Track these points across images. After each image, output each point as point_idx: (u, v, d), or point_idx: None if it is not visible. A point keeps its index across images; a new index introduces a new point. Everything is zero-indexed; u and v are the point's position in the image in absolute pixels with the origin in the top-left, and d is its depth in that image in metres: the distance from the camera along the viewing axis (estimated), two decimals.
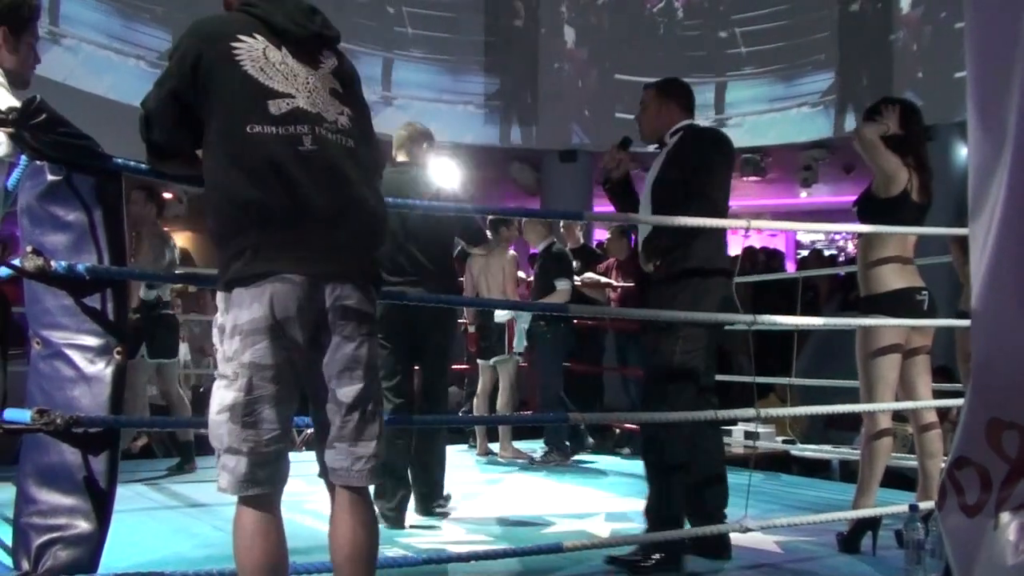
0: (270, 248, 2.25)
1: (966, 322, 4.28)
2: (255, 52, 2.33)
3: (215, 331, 2.36)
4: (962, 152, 9.73)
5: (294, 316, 2.27)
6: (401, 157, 4.81)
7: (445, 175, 5.60)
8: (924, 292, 4.09)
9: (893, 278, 4.05)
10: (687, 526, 3.78)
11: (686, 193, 3.81)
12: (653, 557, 3.66)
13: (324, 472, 2.42)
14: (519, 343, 6.83)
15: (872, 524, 4.00)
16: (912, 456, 4.96)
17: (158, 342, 5.89)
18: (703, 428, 3.86)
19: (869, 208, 4.13)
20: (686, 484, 3.78)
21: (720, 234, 3.97)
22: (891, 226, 4.00)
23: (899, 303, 4.02)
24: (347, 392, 2.36)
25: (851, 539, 4.03)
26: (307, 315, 2.29)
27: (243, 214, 2.27)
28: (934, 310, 4.11)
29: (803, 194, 13.74)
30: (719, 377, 6.53)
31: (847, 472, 6.52)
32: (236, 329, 2.27)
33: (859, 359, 4.10)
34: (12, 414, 2.48)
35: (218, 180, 2.32)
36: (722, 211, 3.91)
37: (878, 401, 4.01)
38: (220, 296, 2.34)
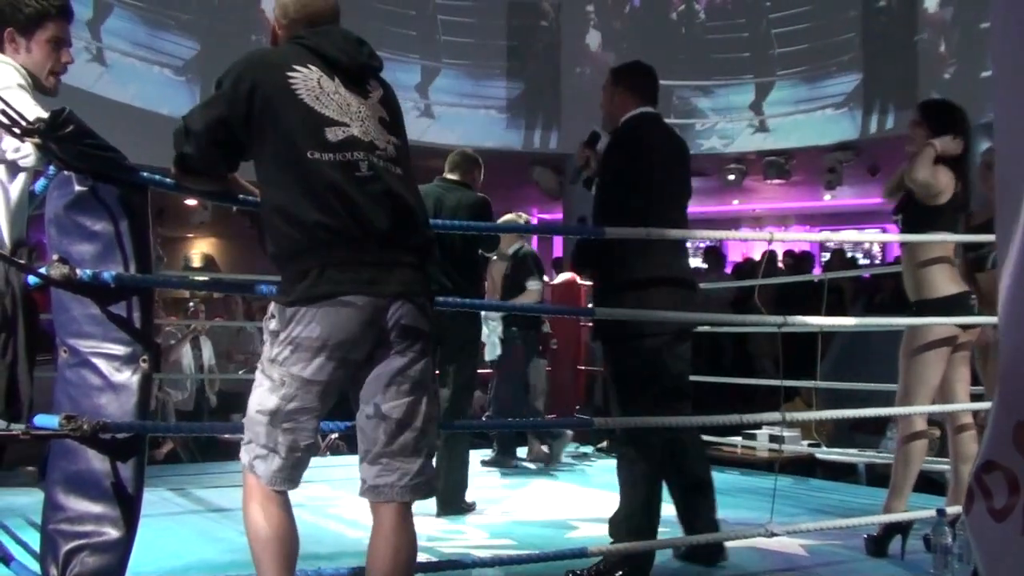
0: (334, 269, 2.32)
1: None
2: (310, 82, 2.40)
3: (266, 332, 2.42)
4: None
5: (354, 339, 2.33)
6: (453, 176, 5.06)
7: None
8: (974, 296, 4.07)
9: (946, 283, 4.01)
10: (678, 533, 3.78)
11: (601, 200, 3.68)
12: (617, 573, 3.54)
13: (365, 488, 2.44)
14: (491, 352, 6.85)
15: (902, 528, 3.96)
16: (941, 459, 4.92)
17: None
18: (681, 438, 3.75)
19: (914, 214, 4.07)
20: (661, 495, 3.67)
21: (668, 243, 3.68)
22: (936, 233, 3.98)
23: (954, 309, 3.98)
24: (392, 407, 2.39)
25: (880, 542, 4.00)
26: (368, 336, 2.35)
27: (307, 236, 2.33)
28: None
29: (827, 196, 13.68)
30: (743, 381, 6.59)
31: (873, 476, 6.47)
32: (290, 339, 2.33)
33: (903, 359, 4.04)
34: (41, 420, 2.51)
35: (280, 203, 2.38)
36: (653, 215, 3.56)
37: (916, 403, 3.96)
38: (275, 305, 2.41)
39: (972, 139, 4.14)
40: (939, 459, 5.04)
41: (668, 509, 3.78)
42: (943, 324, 3.95)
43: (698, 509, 3.82)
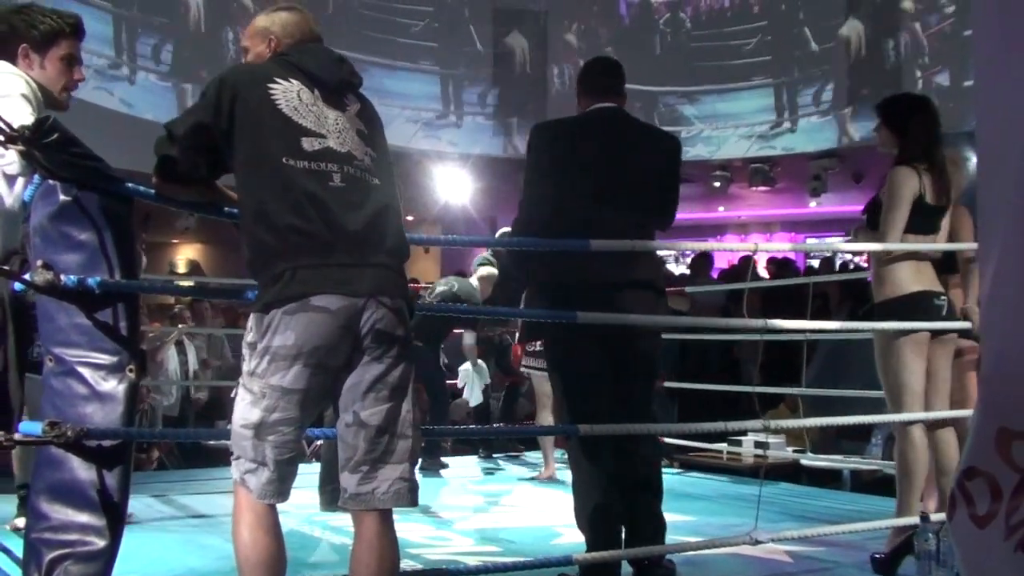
0: (307, 271, 2.34)
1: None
2: (290, 94, 2.47)
3: (244, 346, 2.43)
4: (971, 162, 9.70)
5: (329, 344, 2.34)
6: None
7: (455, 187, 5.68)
8: (943, 297, 3.95)
9: (908, 282, 3.90)
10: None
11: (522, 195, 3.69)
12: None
13: (346, 498, 2.44)
14: (475, 397, 6.85)
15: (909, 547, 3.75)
16: None
17: None
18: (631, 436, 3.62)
19: (878, 215, 3.97)
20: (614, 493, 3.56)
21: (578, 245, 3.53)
22: (907, 234, 3.87)
23: (915, 308, 3.88)
24: (371, 414, 2.40)
25: (888, 562, 3.84)
26: (344, 342, 2.36)
27: (280, 239, 2.36)
28: (954, 316, 3.99)
29: (812, 203, 13.74)
30: (726, 388, 6.59)
31: (858, 483, 6.50)
32: (267, 350, 2.34)
33: (879, 369, 3.95)
34: (25, 427, 2.50)
35: (255, 209, 2.42)
36: (550, 201, 3.57)
37: (903, 409, 3.86)
38: (253, 316, 2.42)
39: (939, 131, 4.04)
40: None
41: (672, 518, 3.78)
42: (920, 329, 3.84)
43: (639, 508, 3.63)
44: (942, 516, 3.61)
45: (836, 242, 12.87)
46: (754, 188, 13.01)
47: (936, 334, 3.94)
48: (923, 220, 3.92)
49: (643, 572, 3.61)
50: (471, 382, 7.27)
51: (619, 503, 3.55)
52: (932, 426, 3.97)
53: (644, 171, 3.64)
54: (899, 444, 3.90)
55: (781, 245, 11.55)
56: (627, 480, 3.59)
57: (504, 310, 5.75)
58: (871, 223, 4.04)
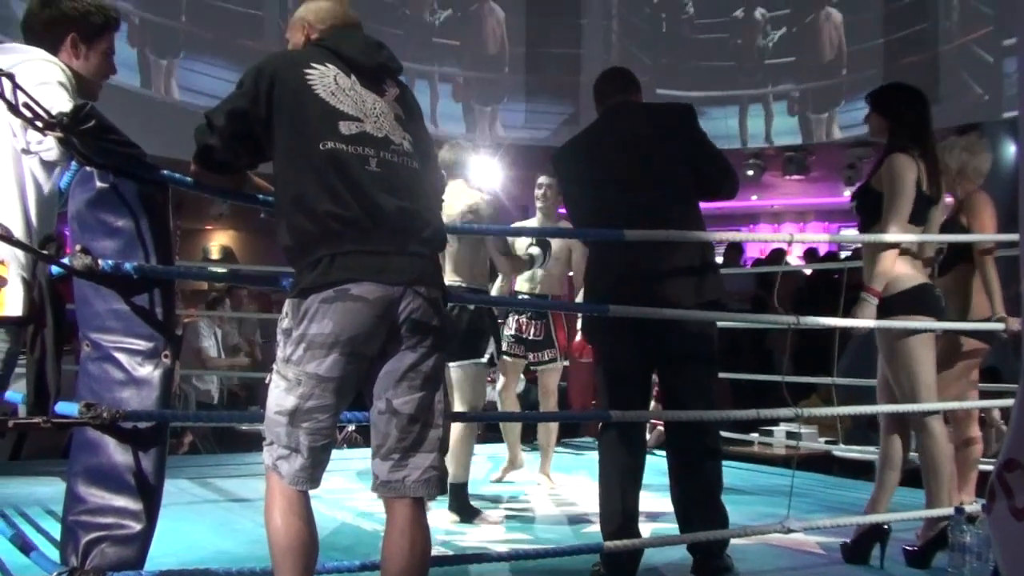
0: (344, 257, 2.35)
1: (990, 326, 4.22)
2: (327, 78, 2.47)
3: (279, 332, 2.44)
4: (1010, 150, 9.56)
5: (366, 333, 2.35)
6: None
7: (486, 175, 5.60)
8: (938, 289, 3.92)
9: (909, 276, 3.82)
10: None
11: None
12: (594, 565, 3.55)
13: (377, 484, 2.46)
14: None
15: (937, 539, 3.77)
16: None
17: None
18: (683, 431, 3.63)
19: (868, 202, 3.90)
20: (632, 486, 3.59)
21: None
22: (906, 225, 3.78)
23: (921, 302, 3.81)
24: (404, 402, 2.41)
25: (924, 552, 3.82)
26: (379, 330, 2.37)
27: (318, 226, 2.37)
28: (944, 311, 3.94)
29: (847, 192, 13.60)
30: (757, 377, 6.55)
31: None
32: (304, 338, 2.35)
33: (890, 366, 3.87)
34: (61, 407, 2.53)
35: (293, 194, 2.42)
36: (587, 209, 3.77)
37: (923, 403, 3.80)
38: (289, 302, 2.43)
39: (931, 120, 3.94)
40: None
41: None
42: (928, 330, 3.80)
43: (693, 499, 3.59)
44: (976, 507, 3.58)
45: (871, 235, 12.74)
46: (788, 176, 12.90)
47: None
48: (919, 210, 3.84)
49: (700, 565, 3.57)
50: None
51: (635, 497, 3.56)
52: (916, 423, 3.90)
53: (665, 148, 3.62)
54: (921, 439, 3.85)
55: (817, 236, 11.44)
56: (684, 471, 3.59)
57: (538, 302, 5.62)
58: (863, 211, 3.95)
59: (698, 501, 3.56)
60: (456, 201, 4.53)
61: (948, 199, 4.39)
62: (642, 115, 3.78)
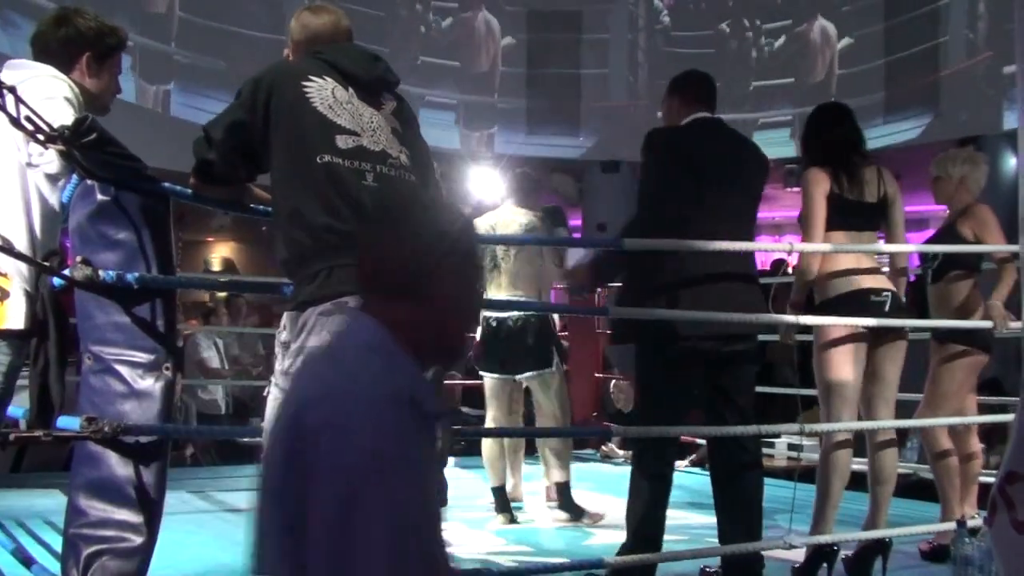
0: (343, 270, 2.33)
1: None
2: (324, 91, 2.47)
3: (277, 345, 2.45)
4: (1011, 162, 9.55)
5: None
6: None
7: (487, 185, 5.66)
8: (885, 293, 3.87)
9: (839, 283, 3.86)
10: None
11: (638, 204, 3.73)
12: None
13: None
14: None
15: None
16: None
17: None
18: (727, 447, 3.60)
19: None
20: (662, 503, 3.54)
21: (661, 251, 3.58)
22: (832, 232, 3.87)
23: (845, 310, 3.81)
24: None
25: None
26: None
27: (315, 239, 2.37)
28: (901, 311, 3.91)
29: None
30: (763, 389, 6.53)
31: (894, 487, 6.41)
32: (302, 351, 2.34)
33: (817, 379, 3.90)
34: (62, 421, 2.53)
35: (290, 207, 2.43)
36: (669, 219, 3.56)
37: (835, 414, 3.84)
38: (287, 315, 2.43)
39: (824, 124, 4.08)
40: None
41: (694, 518, 3.77)
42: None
43: (732, 520, 3.58)
44: (979, 521, 3.58)
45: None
46: (788, 189, 12.92)
47: (879, 334, 3.87)
48: (848, 218, 3.90)
49: None
50: None
51: (664, 511, 3.52)
52: (876, 440, 3.96)
53: (749, 184, 3.76)
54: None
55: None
56: (727, 488, 3.57)
57: (580, 308, 5.92)
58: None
59: (742, 517, 3.56)
60: (511, 223, 5.01)
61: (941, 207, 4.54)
62: (738, 143, 3.85)
